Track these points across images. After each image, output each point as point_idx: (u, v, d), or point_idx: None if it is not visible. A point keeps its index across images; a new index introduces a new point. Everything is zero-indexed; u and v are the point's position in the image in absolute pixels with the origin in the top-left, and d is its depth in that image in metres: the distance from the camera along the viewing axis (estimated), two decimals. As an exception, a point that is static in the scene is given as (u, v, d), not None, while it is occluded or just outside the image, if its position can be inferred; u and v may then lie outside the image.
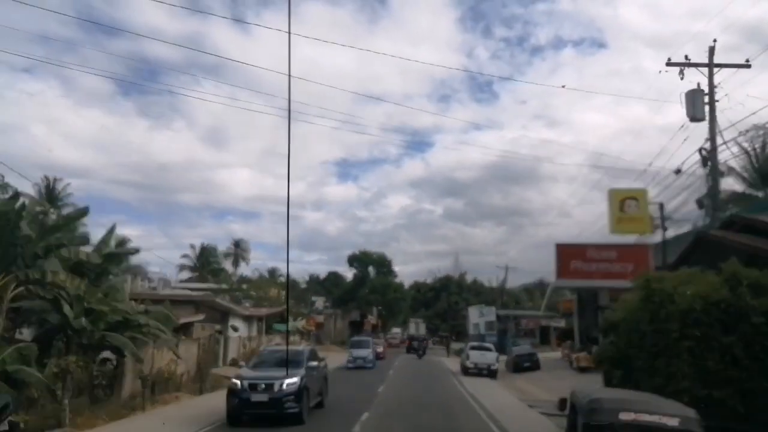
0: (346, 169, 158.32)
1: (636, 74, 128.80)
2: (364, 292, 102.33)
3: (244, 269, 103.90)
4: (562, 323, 48.47)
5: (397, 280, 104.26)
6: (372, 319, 78.08)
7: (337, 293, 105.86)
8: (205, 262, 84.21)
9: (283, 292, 57.43)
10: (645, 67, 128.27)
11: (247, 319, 38.82)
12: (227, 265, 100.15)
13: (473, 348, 32.72)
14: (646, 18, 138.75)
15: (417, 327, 72.25)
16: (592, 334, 31.63)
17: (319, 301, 71.63)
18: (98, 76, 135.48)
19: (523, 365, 32.74)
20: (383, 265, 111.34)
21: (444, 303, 67.57)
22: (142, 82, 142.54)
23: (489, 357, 30.85)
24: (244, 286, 59.04)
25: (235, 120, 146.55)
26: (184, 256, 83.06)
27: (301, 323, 46.62)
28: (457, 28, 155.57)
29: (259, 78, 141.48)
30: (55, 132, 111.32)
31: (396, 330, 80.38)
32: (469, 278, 70.92)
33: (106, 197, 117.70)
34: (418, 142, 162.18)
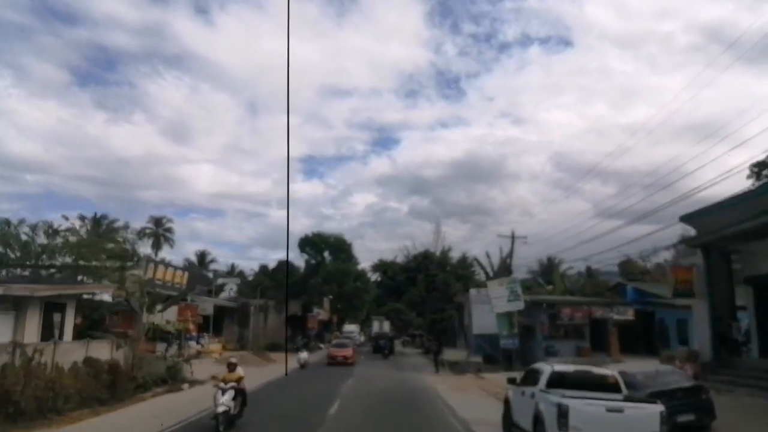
0: (312, 166, 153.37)
1: (602, 73, 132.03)
2: (317, 282, 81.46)
3: (168, 253, 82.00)
4: (627, 314, 28.42)
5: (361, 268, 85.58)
6: (321, 313, 56.81)
7: (285, 284, 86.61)
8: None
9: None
10: (611, 66, 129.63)
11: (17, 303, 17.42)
12: (145, 247, 76.62)
13: (576, 381, 10.29)
14: (612, 17, 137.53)
15: (381, 325, 62.59)
16: (731, 333, 18.48)
17: (230, 284, 50.11)
18: (53, 65, 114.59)
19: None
20: (341, 249, 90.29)
21: (421, 288, 46.76)
22: (100, 72, 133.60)
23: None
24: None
25: (197, 114, 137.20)
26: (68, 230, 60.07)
27: (175, 323, 24.90)
28: (426, 24, 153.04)
29: (221, 70, 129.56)
30: (7, 124, 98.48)
31: (350, 328, 59.44)
32: (454, 254, 51.95)
33: (64, 193, 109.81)
34: (385, 139, 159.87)
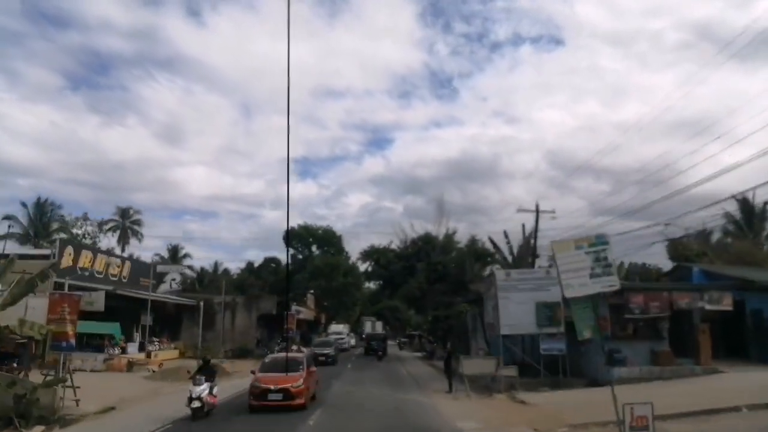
0: (306, 167, 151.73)
1: (593, 72, 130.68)
2: (303, 277, 72.40)
3: (137, 249, 73.17)
4: (723, 302, 19.46)
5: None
6: (304, 312, 47.83)
7: (271, 281, 78.18)
8: (42, 226, 52.29)
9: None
10: (602, 64, 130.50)
11: None
12: (110, 241, 68.19)
13: None
14: (603, 15, 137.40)
15: (373, 326, 60.31)
16: None
17: (172, 274, 41.02)
18: (46, 69, 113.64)
19: None
20: (330, 243, 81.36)
21: (421, 280, 37.78)
22: (93, 76, 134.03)
23: None
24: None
25: (190, 116, 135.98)
26: (7, 218, 50.67)
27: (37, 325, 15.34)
28: (418, 24, 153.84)
29: (214, 72, 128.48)
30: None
31: (338, 328, 50.42)
32: (460, 238, 43.09)
33: (57, 197, 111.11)
34: (378, 139, 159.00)
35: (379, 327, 61.06)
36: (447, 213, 41.56)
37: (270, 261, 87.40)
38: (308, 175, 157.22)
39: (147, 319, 32.72)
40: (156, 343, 34.93)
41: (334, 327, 49.65)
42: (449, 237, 40.91)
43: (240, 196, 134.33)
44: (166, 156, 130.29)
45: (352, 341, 58.81)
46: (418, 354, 46.94)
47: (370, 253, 42.15)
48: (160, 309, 38.08)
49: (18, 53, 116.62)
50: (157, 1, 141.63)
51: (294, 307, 42.49)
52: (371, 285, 42.61)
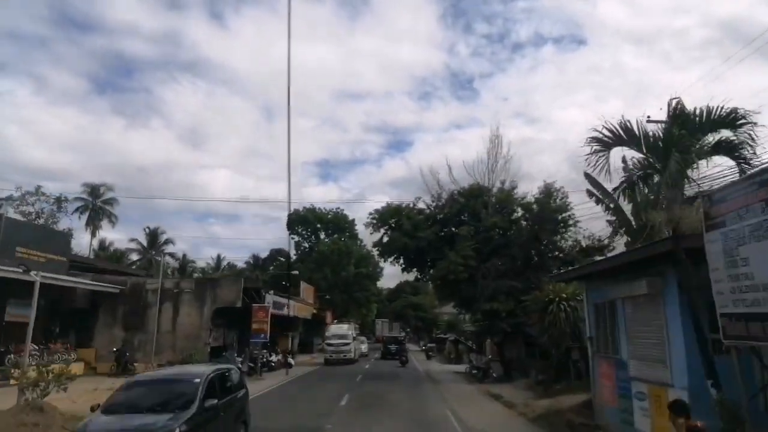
0: (327, 170, 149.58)
1: (616, 70, 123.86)
2: (308, 267, 58.15)
3: (110, 233, 58.91)
4: None
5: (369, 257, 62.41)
6: (292, 307, 33.16)
7: (271, 273, 65.47)
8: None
9: None
10: (625, 62, 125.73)
11: None
12: (74, 223, 54.64)
13: None
14: (625, 13, 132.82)
15: (388, 327, 54.73)
16: None
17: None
18: (72, 74, 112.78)
19: None
20: (342, 228, 66.94)
21: (467, 251, 22.68)
22: (118, 79, 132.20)
23: None
24: None
25: (212, 119, 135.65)
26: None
27: None
28: (439, 25, 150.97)
29: (236, 74, 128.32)
30: (28, 132, 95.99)
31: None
32: (523, 188, 28.12)
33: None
34: (398, 141, 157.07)
35: (396, 329, 52.53)
36: (504, 156, 25.87)
37: (277, 253, 73.91)
38: (329, 178, 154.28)
39: (30, 313, 18.50)
40: (38, 351, 20.76)
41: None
42: (507, 193, 25.92)
43: (262, 198, 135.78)
44: (189, 158, 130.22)
45: (363, 347, 43.99)
46: (458, 368, 31.98)
47: (384, 215, 27.08)
48: (61, 298, 24.00)
49: (45, 58, 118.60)
50: (180, 5, 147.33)
51: (270, 298, 27.77)
52: (385, 262, 27.41)
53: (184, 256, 64.19)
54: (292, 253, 67.87)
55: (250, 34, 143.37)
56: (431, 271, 25.04)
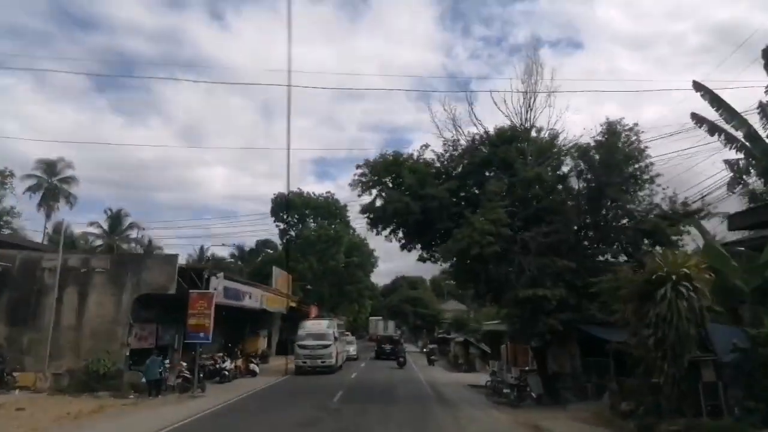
0: (324, 168, 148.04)
1: (612, 74, 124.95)
2: (294, 257, 50.62)
3: (68, 216, 51.45)
4: None
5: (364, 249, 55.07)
6: (255, 297, 25.35)
7: (253, 265, 58.84)
8: None
9: None
10: (622, 67, 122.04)
11: None
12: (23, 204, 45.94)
13: None
14: (622, 18, 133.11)
15: (384, 325, 47.25)
16: None
17: None
18: (72, 73, 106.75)
19: None
20: (332, 214, 59.26)
21: (498, 214, 15.10)
22: (117, 76, 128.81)
23: None
24: None
25: (211, 117, 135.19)
26: None
27: None
28: (437, 27, 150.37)
29: (235, 72, 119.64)
30: (27, 128, 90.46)
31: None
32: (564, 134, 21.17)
33: (80, 196, 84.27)
34: (396, 140, 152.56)
35: (391, 328, 47.10)
36: (547, 87, 18.03)
37: (263, 245, 66.28)
38: (326, 177, 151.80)
39: None
40: None
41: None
42: (550, 140, 18.30)
43: (260, 196, 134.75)
44: (187, 156, 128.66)
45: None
46: (471, 379, 24.49)
47: (377, 167, 19.11)
48: None
49: (45, 55, 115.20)
50: (181, 4, 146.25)
51: (219, 283, 19.95)
52: (378, 234, 19.38)
53: (150, 242, 56.01)
54: (278, 243, 60.63)
55: (250, 34, 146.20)
56: (444, 244, 17.31)
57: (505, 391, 17.00)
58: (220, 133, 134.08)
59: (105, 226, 54.88)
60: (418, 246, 20.00)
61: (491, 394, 18.93)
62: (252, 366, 24.59)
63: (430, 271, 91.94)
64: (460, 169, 18.73)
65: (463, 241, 15.70)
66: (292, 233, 58.73)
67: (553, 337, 16.16)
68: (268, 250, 63.02)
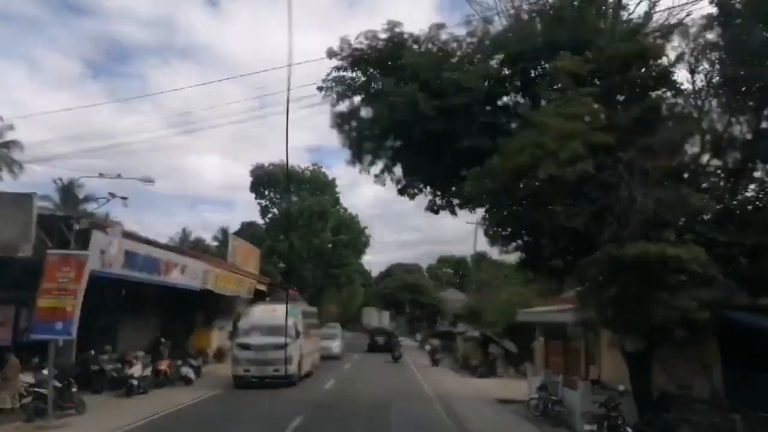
0: (320, 157, 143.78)
1: None
2: (275, 237, 44.02)
3: (10, 185, 43.43)
4: None
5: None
6: (184, 270, 17.68)
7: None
8: None
9: None
10: None
11: None
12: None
13: None
14: None
15: (379, 318, 42.50)
16: None
17: None
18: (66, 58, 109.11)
19: None
20: (321, 188, 51.83)
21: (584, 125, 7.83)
22: (112, 63, 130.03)
23: None
24: None
25: (205, 104, 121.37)
26: None
27: None
28: (436, 15, 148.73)
29: (229, 60, 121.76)
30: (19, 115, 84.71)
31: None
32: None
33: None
34: None
35: (385, 319, 42.13)
36: None
37: (248, 226, 59.16)
38: (322, 166, 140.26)
39: None
40: None
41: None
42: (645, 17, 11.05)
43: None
44: (181, 144, 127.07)
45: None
46: (498, 391, 17.31)
47: (367, 58, 12.01)
48: None
49: (38, 40, 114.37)
50: None
51: (111, 241, 12.53)
52: (362, 170, 11.71)
53: (107, 214, 48.36)
54: (261, 222, 53.36)
55: (246, 21, 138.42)
56: (479, 168, 9.77)
57: (558, 415, 9.56)
58: (215, 121, 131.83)
59: (57, 198, 47.44)
60: (427, 188, 12.56)
61: (539, 419, 11.66)
62: (185, 371, 17.16)
63: (426, 260, 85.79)
64: (509, 51, 11.09)
65: (525, 151, 8.23)
66: (275, 210, 51.65)
67: (680, 332, 8.74)
68: (253, 233, 56.20)
